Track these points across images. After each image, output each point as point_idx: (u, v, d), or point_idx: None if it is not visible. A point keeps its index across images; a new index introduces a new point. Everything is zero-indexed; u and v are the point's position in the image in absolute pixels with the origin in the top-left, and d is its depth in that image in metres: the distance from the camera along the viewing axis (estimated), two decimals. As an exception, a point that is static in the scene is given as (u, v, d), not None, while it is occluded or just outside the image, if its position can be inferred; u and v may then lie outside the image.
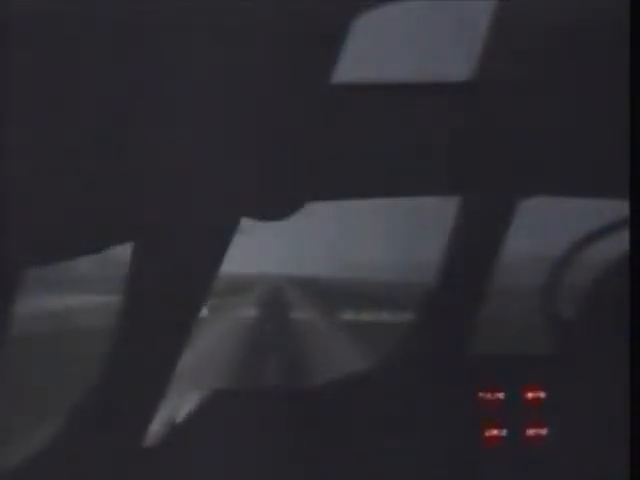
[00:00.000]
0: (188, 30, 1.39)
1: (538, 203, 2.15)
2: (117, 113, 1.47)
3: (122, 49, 1.39)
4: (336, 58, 1.52)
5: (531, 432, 2.16)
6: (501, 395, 2.17)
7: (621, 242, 2.07)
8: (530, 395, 2.17)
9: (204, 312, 2.14)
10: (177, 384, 2.08)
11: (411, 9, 1.61)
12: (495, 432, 2.16)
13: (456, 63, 1.82)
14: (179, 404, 2.13)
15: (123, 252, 1.80)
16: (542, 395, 2.17)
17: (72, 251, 1.67)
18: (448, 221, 2.26)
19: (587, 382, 2.16)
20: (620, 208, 1.88)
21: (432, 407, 2.16)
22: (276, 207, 1.81)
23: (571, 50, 1.68)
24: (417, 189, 2.04)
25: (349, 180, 1.92)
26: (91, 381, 1.99)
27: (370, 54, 1.74)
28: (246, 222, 1.85)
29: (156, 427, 2.05)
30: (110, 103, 1.44)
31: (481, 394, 2.16)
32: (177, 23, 1.39)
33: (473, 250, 2.30)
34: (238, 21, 1.40)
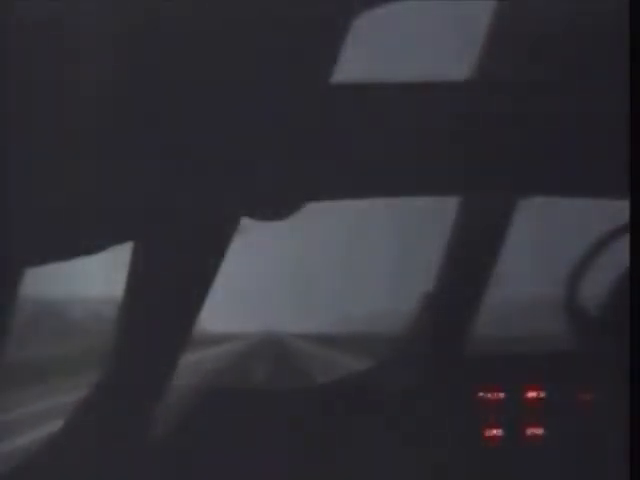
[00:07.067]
0: (186, 28, 1.39)
1: (538, 203, 2.15)
2: (117, 112, 1.47)
3: (122, 48, 1.39)
4: (336, 58, 1.52)
5: (531, 432, 2.16)
6: (501, 395, 2.17)
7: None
8: (530, 395, 2.17)
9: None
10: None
11: (411, 9, 1.61)
12: (495, 432, 2.16)
13: (456, 63, 1.82)
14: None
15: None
16: (542, 395, 2.17)
17: (72, 251, 1.67)
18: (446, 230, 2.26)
19: (587, 382, 2.16)
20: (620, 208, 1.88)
21: (432, 407, 2.15)
22: (275, 207, 1.81)
23: (571, 50, 1.68)
24: (417, 189, 2.03)
25: (349, 180, 1.92)
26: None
27: (371, 54, 1.74)
28: (246, 222, 1.85)
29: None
30: (109, 101, 1.44)
31: (481, 394, 2.16)
32: (176, 21, 1.39)
33: (473, 251, 2.30)
34: (236, 21, 1.40)
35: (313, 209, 1.90)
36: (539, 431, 2.16)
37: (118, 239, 1.74)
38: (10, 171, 1.41)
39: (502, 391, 2.16)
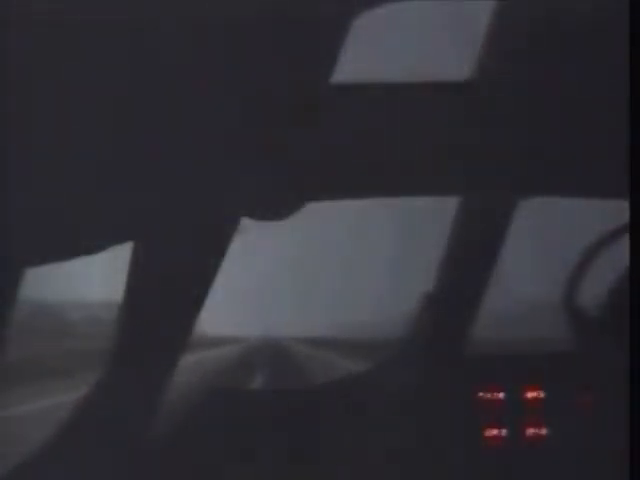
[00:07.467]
0: (187, 29, 1.39)
1: (538, 203, 2.15)
2: (117, 113, 1.48)
3: (122, 50, 1.39)
4: (336, 58, 1.52)
5: (531, 432, 2.16)
6: (501, 395, 2.17)
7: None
8: (530, 395, 2.17)
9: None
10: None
11: (411, 9, 1.61)
12: (495, 432, 2.15)
13: (456, 63, 1.82)
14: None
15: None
16: (542, 395, 2.17)
17: (72, 251, 1.67)
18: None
19: (587, 382, 2.16)
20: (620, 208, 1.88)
21: (432, 407, 2.15)
22: (275, 207, 1.81)
23: (571, 50, 1.68)
24: (417, 189, 2.03)
25: (349, 180, 1.92)
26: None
27: (371, 54, 1.74)
28: (246, 222, 1.86)
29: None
30: (110, 102, 1.44)
31: (481, 394, 2.16)
32: (173, 24, 1.39)
33: (473, 251, 2.30)
34: (236, 21, 1.40)
35: (313, 209, 1.90)
36: (539, 431, 2.16)
37: (118, 239, 1.74)
38: (10, 171, 1.41)
39: (502, 391, 2.16)
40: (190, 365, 2.34)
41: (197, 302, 1.97)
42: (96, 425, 1.99)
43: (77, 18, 1.33)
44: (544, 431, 2.16)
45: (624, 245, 2.04)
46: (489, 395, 2.16)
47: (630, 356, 1.35)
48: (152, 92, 1.48)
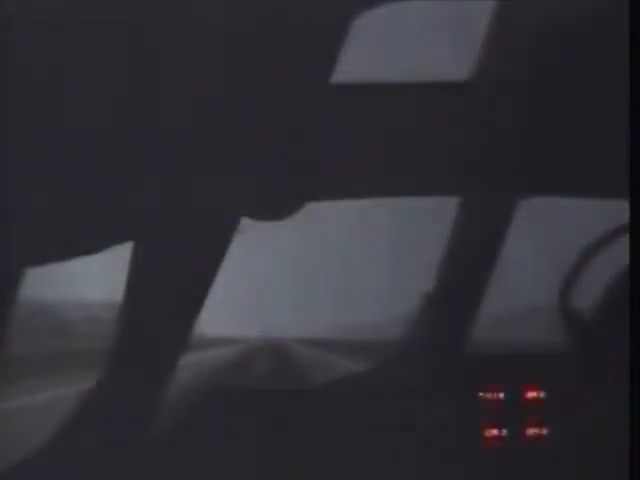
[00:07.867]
0: (187, 29, 1.39)
1: (538, 203, 2.15)
2: (117, 113, 1.48)
3: (122, 50, 1.39)
4: (336, 58, 1.52)
5: (531, 432, 2.16)
6: (501, 395, 2.16)
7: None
8: (530, 395, 2.17)
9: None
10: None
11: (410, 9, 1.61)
12: (495, 432, 2.15)
13: (456, 63, 1.82)
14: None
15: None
16: (542, 395, 2.17)
17: (72, 251, 1.67)
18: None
19: (587, 382, 2.16)
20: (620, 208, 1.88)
21: (432, 407, 2.15)
22: (275, 207, 1.81)
23: (571, 50, 1.68)
24: (417, 189, 2.03)
25: (348, 180, 1.92)
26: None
27: (371, 54, 1.74)
28: (246, 222, 1.86)
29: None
30: (110, 102, 1.44)
31: (481, 394, 2.16)
32: (175, 23, 1.39)
33: (473, 251, 2.30)
34: (237, 21, 1.40)
35: (313, 209, 1.90)
36: (539, 431, 2.16)
37: (118, 239, 1.74)
38: (10, 171, 1.41)
39: (502, 391, 2.16)
40: (190, 365, 2.35)
41: (197, 302, 1.97)
42: (96, 425, 1.99)
43: (77, 18, 1.33)
44: (544, 431, 2.16)
45: (624, 245, 2.03)
46: (489, 395, 2.16)
47: (630, 356, 1.35)
48: (152, 92, 1.48)
